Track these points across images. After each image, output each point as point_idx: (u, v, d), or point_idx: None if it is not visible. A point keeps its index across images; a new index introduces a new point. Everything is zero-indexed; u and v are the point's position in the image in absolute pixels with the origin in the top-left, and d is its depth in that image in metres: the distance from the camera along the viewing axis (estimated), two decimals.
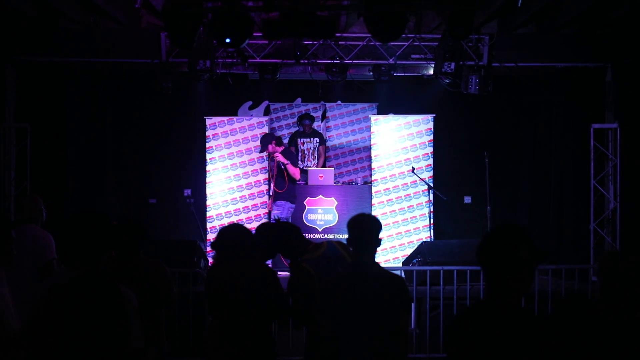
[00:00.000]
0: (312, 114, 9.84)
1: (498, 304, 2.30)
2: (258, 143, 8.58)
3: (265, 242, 3.80)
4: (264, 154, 8.49)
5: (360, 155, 10.14)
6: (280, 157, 8.07)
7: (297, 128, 9.68)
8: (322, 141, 9.57)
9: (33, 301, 2.67)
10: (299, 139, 9.52)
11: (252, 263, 3.66)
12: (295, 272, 3.74)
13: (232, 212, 8.75)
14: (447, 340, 2.41)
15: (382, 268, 3.41)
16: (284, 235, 3.84)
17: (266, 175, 8.76)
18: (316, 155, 9.50)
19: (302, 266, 3.67)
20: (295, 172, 8.12)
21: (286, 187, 8.08)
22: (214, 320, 3.71)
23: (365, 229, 3.26)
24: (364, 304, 3.11)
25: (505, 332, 2.24)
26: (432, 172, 8.62)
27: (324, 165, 9.50)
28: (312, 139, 9.49)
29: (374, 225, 3.30)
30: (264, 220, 8.12)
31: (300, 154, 9.49)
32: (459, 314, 2.42)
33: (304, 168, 9.33)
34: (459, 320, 2.39)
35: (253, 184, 8.76)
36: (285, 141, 9.89)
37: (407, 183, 8.64)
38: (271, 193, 8.35)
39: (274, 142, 8.13)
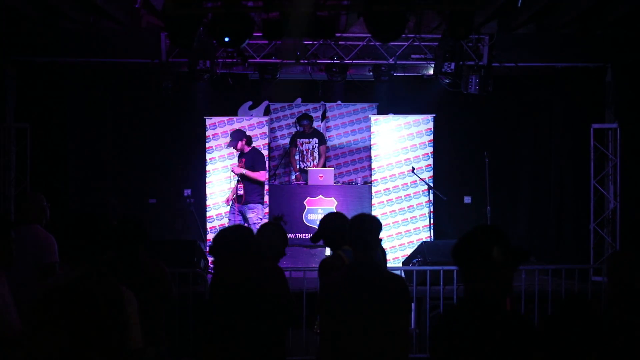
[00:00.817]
0: (312, 114, 9.82)
1: (476, 304, 2.28)
2: (258, 143, 8.58)
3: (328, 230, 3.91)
4: (232, 149, 8.25)
5: (360, 155, 10.14)
6: (236, 170, 7.97)
7: (297, 128, 9.67)
8: (322, 141, 9.54)
9: (33, 302, 2.67)
10: (298, 140, 9.51)
11: (262, 263, 3.62)
12: (329, 259, 3.81)
13: None
14: (429, 339, 2.42)
15: (382, 268, 3.41)
16: (337, 223, 3.89)
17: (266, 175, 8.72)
18: (316, 155, 9.48)
19: (337, 254, 3.74)
20: (258, 176, 7.95)
21: (243, 199, 7.93)
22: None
23: (365, 229, 3.26)
24: (364, 304, 3.11)
25: (482, 333, 2.23)
26: (432, 172, 8.61)
27: (324, 166, 9.49)
28: (310, 140, 9.46)
29: (374, 225, 3.31)
30: (265, 220, 8.09)
31: (299, 154, 9.48)
32: (441, 315, 2.42)
33: (304, 168, 9.32)
34: (439, 320, 2.40)
35: None
36: (286, 141, 9.90)
37: (407, 183, 8.64)
38: (234, 197, 8.12)
39: (244, 139, 7.99)
